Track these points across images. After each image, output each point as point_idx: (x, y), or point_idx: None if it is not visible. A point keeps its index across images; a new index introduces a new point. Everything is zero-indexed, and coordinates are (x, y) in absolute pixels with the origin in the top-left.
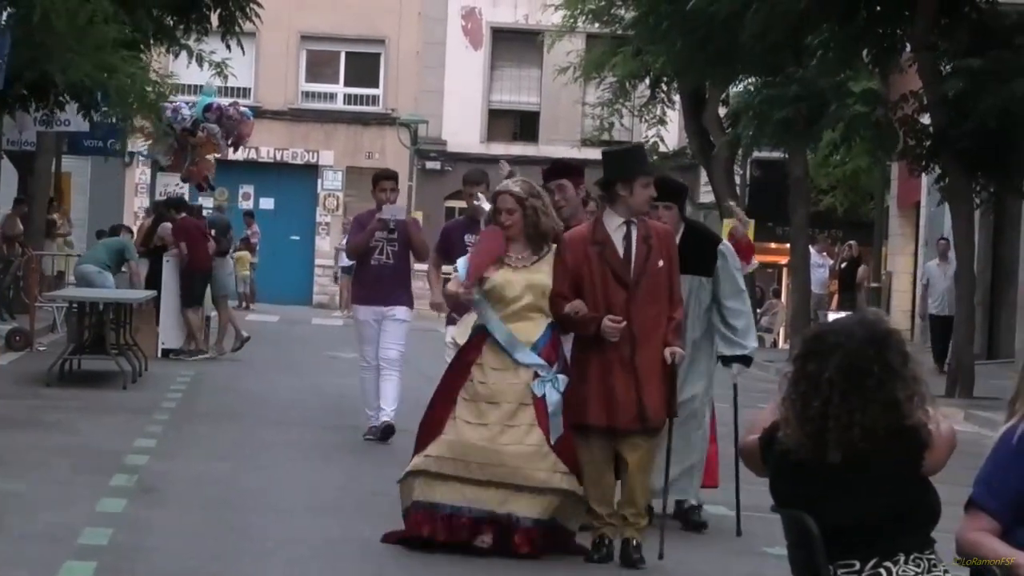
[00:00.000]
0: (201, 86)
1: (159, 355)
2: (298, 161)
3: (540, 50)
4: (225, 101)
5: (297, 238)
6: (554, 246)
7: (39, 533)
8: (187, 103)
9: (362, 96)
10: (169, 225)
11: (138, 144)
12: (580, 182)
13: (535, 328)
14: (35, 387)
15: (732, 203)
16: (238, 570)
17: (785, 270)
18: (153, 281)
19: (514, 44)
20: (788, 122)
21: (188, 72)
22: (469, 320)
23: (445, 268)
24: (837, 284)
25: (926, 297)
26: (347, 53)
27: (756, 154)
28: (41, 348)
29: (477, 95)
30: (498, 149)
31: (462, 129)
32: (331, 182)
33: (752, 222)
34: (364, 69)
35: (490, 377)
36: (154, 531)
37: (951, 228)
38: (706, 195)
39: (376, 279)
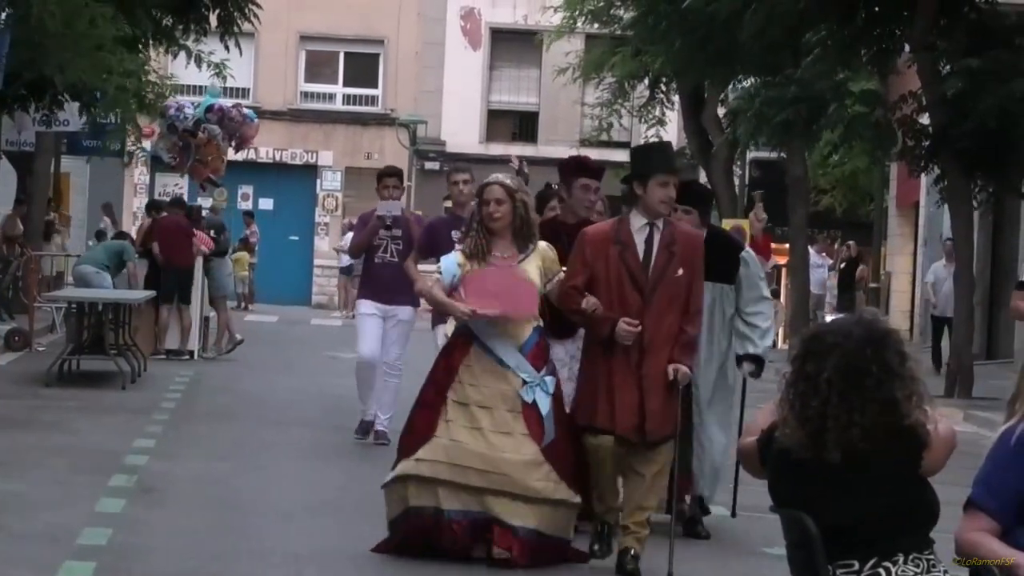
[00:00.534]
0: (200, 87)
1: (166, 355)
2: (297, 161)
3: (539, 50)
4: (228, 103)
5: (296, 238)
6: (541, 244)
7: (38, 533)
8: (192, 103)
9: (361, 96)
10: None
11: (138, 143)
12: (598, 183)
13: (521, 330)
14: (34, 387)
15: (756, 194)
16: (237, 570)
17: (784, 270)
18: (153, 281)
19: (513, 44)
20: (788, 123)
21: (188, 73)
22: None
23: (425, 267)
24: (836, 285)
25: (932, 297)
26: (346, 53)
27: (755, 154)
28: (40, 348)
29: (476, 95)
30: (497, 149)
31: (461, 129)
32: (330, 182)
33: (766, 218)
34: (363, 69)
35: (480, 379)
36: (153, 531)
37: (950, 228)
38: None
39: (380, 277)
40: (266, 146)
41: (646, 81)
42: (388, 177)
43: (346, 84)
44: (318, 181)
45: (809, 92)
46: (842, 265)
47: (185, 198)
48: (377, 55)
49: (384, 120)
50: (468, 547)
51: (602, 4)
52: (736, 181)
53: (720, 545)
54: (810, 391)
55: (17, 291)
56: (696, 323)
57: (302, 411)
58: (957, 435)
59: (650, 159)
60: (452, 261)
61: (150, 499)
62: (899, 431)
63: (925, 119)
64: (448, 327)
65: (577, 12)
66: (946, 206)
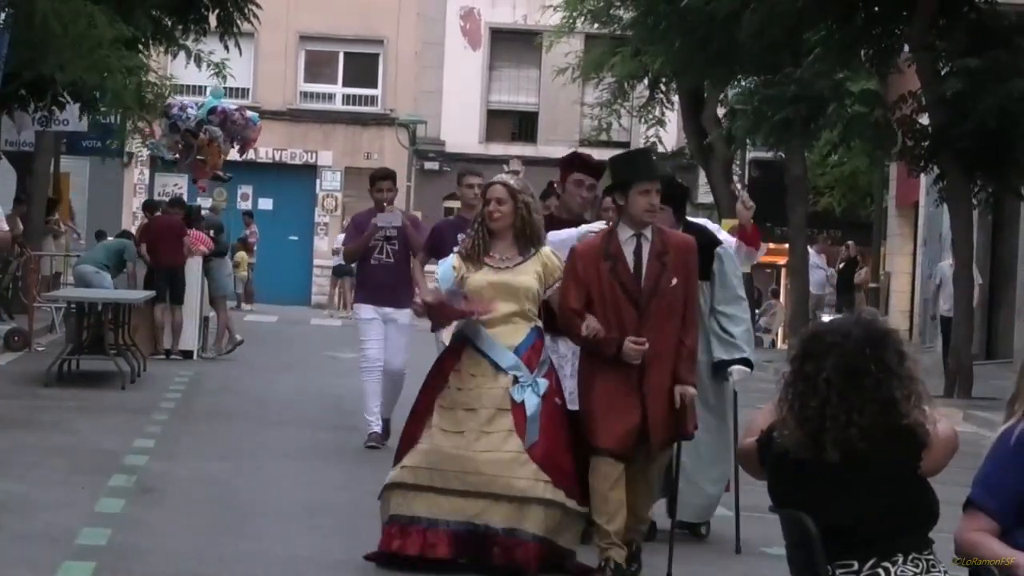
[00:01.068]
0: (200, 86)
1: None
2: (297, 161)
3: (539, 50)
4: (232, 105)
5: (296, 238)
6: (544, 249)
7: (38, 533)
8: (195, 103)
9: (361, 96)
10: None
11: (137, 144)
12: (594, 182)
13: (517, 333)
14: (34, 387)
15: (737, 185)
16: (236, 570)
17: (783, 270)
18: (152, 281)
19: (513, 44)
20: (787, 122)
21: (187, 73)
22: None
23: (430, 268)
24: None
25: (938, 298)
26: (345, 53)
27: (754, 154)
28: (40, 348)
29: (476, 95)
30: (497, 149)
31: (461, 129)
32: (330, 182)
33: (754, 206)
34: (363, 69)
35: (468, 383)
36: (153, 531)
37: (950, 228)
38: (705, 195)
39: (377, 279)
40: (266, 146)
41: (646, 81)
42: (382, 180)
43: (346, 84)
44: (318, 181)
45: (808, 91)
46: (841, 265)
47: (184, 198)
48: (377, 55)
49: (384, 120)
50: (454, 557)
51: (601, 4)
52: (735, 180)
53: (720, 545)
54: (809, 391)
55: (17, 291)
56: (693, 334)
57: (302, 411)
58: (958, 435)
59: (628, 168)
60: (448, 264)
61: (150, 499)
62: (898, 431)
63: (925, 119)
64: (448, 333)
65: (576, 12)
66: (945, 206)
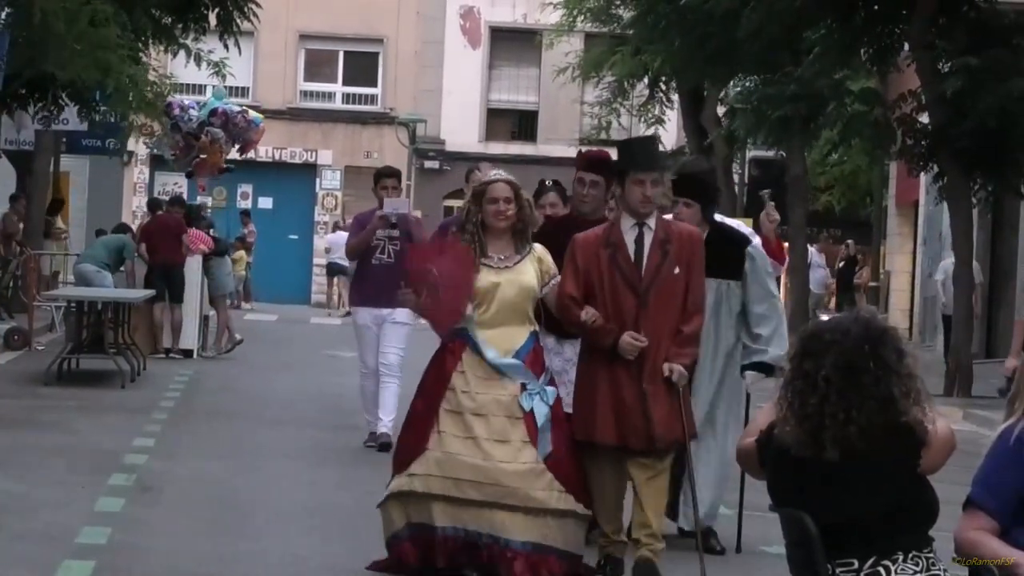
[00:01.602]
0: (200, 85)
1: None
2: (296, 160)
3: (539, 49)
4: (234, 108)
5: (295, 237)
6: (536, 246)
7: (37, 532)
8: (197, 103)
9: (360, 95)
10: None
11: (139, 143)
12: (597, 178)
13: (516, 335)
14: (33, 386)
15: (765, 193)
16: (236, 570)
17: (784, 270)
18: (152, 280)
19: (513, 43)
20: (786, 121)
21: (187, 72)
22: None
23: None
24: (836, 286)
25: (944, 295)
26: (345, 52)
27: (754, 153)
28: (39, 347)
29: (475, 94)
30: (496, 148)
31: (461, 128)
32: (329, 181)
33: (778, 218)
34: (362, 68)
35: (474, 387)
36: (152, 530)
37: (949, 227)
38: None
39: (377, 279)
40: (265, 145)
41: (645, 80)
42: (387, 178)
43: (345, 83)
44: (317, 180)
45: (808, 90)
46: (841, 264)
47: (185, 197)
48: (376, 54)
49: (383, 119)
50: (461, 566)
51: (601, 3)
52: (736, 179)
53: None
54: (808, 389)
55: (16, 290)
56: (694, 321)
57: (301, 411)
58: (956, 434)
59: (624, 157)
60: None
61: (149, 498)
62: (897, 428)
63: (924, 118)
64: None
65: (576, 11)
66: (945, 205)
